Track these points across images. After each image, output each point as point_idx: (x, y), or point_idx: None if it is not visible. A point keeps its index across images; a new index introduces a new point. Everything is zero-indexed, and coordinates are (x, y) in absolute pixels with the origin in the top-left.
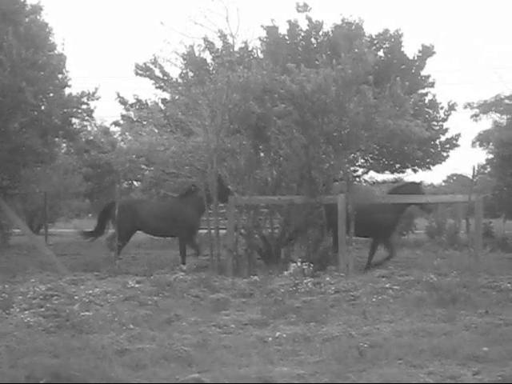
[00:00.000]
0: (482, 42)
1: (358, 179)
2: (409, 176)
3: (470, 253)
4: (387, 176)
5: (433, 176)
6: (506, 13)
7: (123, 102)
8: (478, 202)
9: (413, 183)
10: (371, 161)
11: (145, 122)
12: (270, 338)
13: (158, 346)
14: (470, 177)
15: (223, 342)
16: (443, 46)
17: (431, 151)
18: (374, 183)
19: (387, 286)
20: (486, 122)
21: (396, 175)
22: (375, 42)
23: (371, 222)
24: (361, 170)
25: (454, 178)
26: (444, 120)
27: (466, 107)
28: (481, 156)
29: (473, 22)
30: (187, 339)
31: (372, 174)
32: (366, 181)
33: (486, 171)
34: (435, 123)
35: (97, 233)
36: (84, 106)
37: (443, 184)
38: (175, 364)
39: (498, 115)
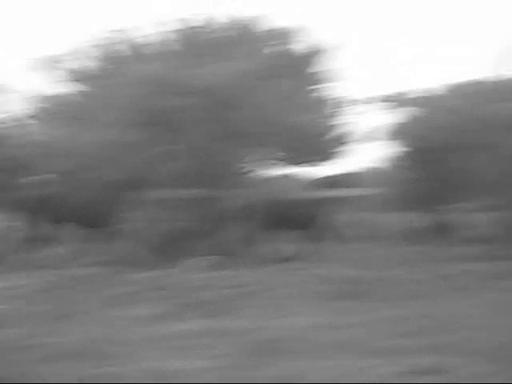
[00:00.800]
0: (381, 38)
1: (261, 173)
2: (316, 170)
3: (384, 245)
4: (287, 170)
5: (339, 170)
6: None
7: (36, 95)
8: (390, 195)
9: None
10: (275, 155)
11: (58, 115)
12: (176, 332)
13: (66, 340)
14: (382, 170)
15: (133, 335)
16: (341, 41)
17: (336, 145)
18: (281, 177)
19: (299, 279)
20: (400, 116)
21: (300, 169)
22: (278, 36)
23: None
24: (265, 165)
25: (367, 171)
26: (353, 114)
27: (379, 100)
28: (393, 149)
29: (370, 20)
30: (94, 333)
31: (276, 168)
32: (272, 175)
33: (398, 164)
34: (334, 118)
35: None
36: None
37: (355, 177)
38: (81, 358)
39: (412, 108)
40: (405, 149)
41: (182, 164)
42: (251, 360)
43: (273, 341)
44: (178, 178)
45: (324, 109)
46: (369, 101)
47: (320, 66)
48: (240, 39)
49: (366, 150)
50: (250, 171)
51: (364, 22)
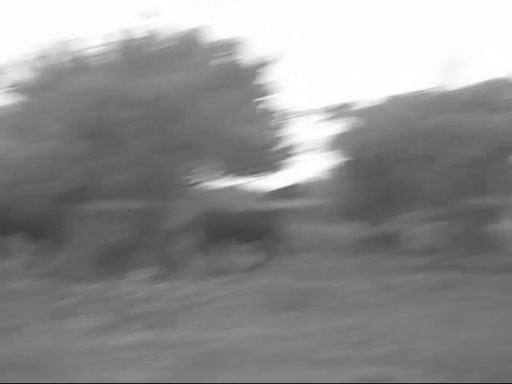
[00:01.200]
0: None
1: (203, 185)
2: (254, 182)
3: (321, 256)
4: (229, 182)
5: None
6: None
7: None
8: (327, 205)
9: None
10: (217, 167)
11: None
12: (120, 344)
13: (10, 353)
14: (320, 181)
15: (71, 348)
16: (290, 51)
17: (274, 157)
18: (227, 189)
19: (236, 291)
20: (337, 127)
21: (239, 182)
22: (220, 48)
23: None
24: (206, 176)
25: (305, 182)
26: (291, 125)
27: (316, 112)
28: (332, 160)
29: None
30: (40, 345)
31: (218, 180)
32: (211, 187)
33: (336, 175)
34: (278, 130)
35: None
36: None
37: (293, 188)
38: (27, 371)
39: (350, 119)
40: (347, 159)
41: (126, 176)
42: (197, 371)
43: (219, 352)
44: (122, 190)
45: (270, 120)
46: (312, 112)
47: (265, 78)
48: (185, 50)
49: (312, 160)
50: (195, 183)
51: (307, 32)
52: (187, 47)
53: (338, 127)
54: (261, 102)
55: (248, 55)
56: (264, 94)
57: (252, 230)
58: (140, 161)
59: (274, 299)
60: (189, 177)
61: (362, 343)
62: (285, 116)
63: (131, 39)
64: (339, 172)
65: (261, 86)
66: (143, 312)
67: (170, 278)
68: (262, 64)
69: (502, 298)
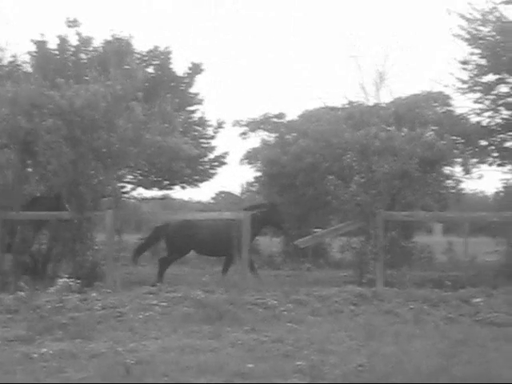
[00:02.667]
0: (249, 61)
1: (126, 195)
2: (177, 193)
3: (237, 269)
4: (156, 193)
5: (201, 193)
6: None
7: None
8: (246, 219)
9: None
10: (140, 177)
11: None
12: (36, 355)
13: None
14: (238, 194)
15: None
16: (213, 64)
17: (199, 168)
18: (142, 200)
19: (154, 302)
20: (255, 140)
21: (164, 192)
22: (145, 58)
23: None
24: (129, 187)
25: (223, 195)
26: (212, 137)
27: (234, 125)
28: (249, 173)
29: (240, 42)
30: None
31: (140, 190)
32: (134, 197)
33: (253, 188)
34: (204, 140)
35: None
36: None
37: (212, 201)
38: None
39: (266, 133)
40: (262, 173)
41: (42, 186)
42: (116, 382)
43: (137, 363)
44: (38, 200)
45: (195, 131)
46: (235, 124)
47: (192, 88)
48: (113, 60)
49: (233, 173)
50: (117, 193)
51: (231, 46)
52: (115, 56)
53: (257, 140)
54: (189, 112)
55: (176, 65)
56: (192, 104)
57: (176, 241)
58: (63, 170)
59: (193, 311)
60: (115, 187)
61: (281, 356)
62: (210, 127)
63: (57, 48)
64: (258, 185)
65: (188, 96)
66: (63, 322)
67: (90, 288)
68: (190, 75)
69: (424, 310)
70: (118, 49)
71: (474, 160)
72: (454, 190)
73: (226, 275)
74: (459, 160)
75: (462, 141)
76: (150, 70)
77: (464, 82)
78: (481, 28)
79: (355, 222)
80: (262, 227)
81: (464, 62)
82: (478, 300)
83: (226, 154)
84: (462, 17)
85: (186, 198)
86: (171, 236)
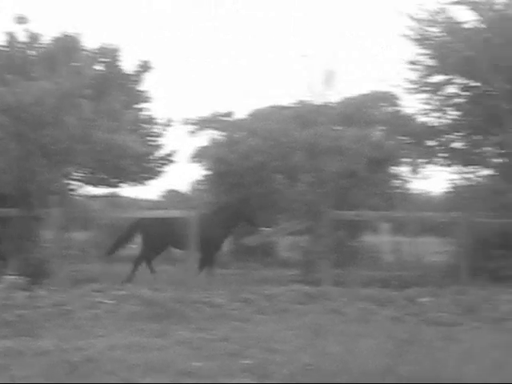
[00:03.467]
0: (198, 60)
1: (73, 193)
2: (125, 191)
3: (184, 268)
4: (103, 190)
5: (149, 191)
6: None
7: None
8: (193, 217)
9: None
10: (87, 175)
11: None
12: None
13: None
14: (186, 192)
15: None
16: (161, 62)
17: (147, 166)
18: (90, 197)
19: (102, 300)
20: (203, 139)
21: (112, 189)
22: (94, 56)
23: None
24: (77, 184)
25: (171, 193)
26: (160, 135)
27: (183, 123)
28: (197, 172)
29: (189, 40)
30: None
31: (88, 187)
32: (81, 195)
33: (201, 187)
34: (152, 138)
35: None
36: None
37: (159, 199)
38: None
39: (215, 132)
40: (210, 171)
41: None
42: (62, 380)
43: (84, 361)
44: None
45: (146, 128)
46: (183, 122)
47: (141, 86)
48: (61, 57)
49: (183, 171)
50: (69, 190)
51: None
52: (64, 53)
53: (205, 139)
54: (137, 109)
55: (125, 63)
56: (140, 101)
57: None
58: (10, 167)
59: (140, 309)
60: (62, 184)
61: (228, 355)
62: (158, 125)
63: (5, 44)
64: (206, 184)
65: (137, 93)
66: (9, 320)
67: (37, 286)
68: (139, 72)
69: (371, 310)
70: (67, 46)
71: (422, 160)
72: (401, 190)
73: (201, 272)
74: (407, 160)
75: (410, 141)
76: (99, 67)
77: (412, 82)
78: (429, 29)
79: (303, 221)
80: (235, 224)
81: (412, 63)
82: (424, 300)
83: (175, 152)
84: (411, 17)
85: (133, 196)
86: (147, 231)
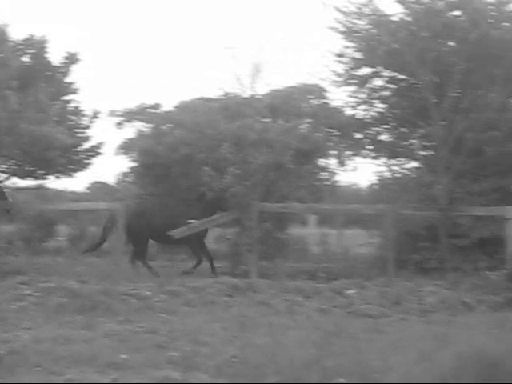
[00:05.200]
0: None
1: (5, 183)
2: (52, 183)
3: (111, 260)
4: (30, 182)
5: (76, 183)
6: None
7: None
8: (120, 209)
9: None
10: (14, 166)
11: None
12: None
13: None
14: (113, 184)
15: None
16: (89, 54)
17: (74, 158)
18: (16, 189)
19: (28, 292)
20: (130, 131)
21: (39, 181)
22: (20, 47)
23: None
24: (3, 176)
25: (98, 185)
26: (88, 127)
27: (110, 115)
28: (124, 164)
29: (117, 32)
30: None
31: (15, 179)
32: (8, 187)
33: (128, 179)
34: (79, 130)
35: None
36: None
37: (86, 191)
38: None
39: (142, 124)
40: (137, 163)
41: None
42: None
43: (9, 354)
44: None
45: (70, 120)
46: (110, 114)
47: (68, 78)
48: None
49: (110, 163)
50: None
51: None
52: None
53: (132, 130)
54: (65, 101)
55: (52, 55)
56: (67, 93)
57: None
58: None
59: (66, 301)
60: None
61: (154, 347)
62: (86, 117)
63: None
64: (133, 176)
65: (64, 85)
66: None
67: None
68: (66, 64)
69: (298, 302)
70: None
71: (349, 152)
72: (328, 182)
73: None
74: (334, 152)
75: (337, 133)
76: (26, 58)
77: (339, 74)
78: (356, 21)
79: (230, 213)
80: (213, 215)
81: (339, 55)
82: (351, 292)
83: (102, 144)
84: (338, 10)
85: (60, 188)
86: (128, 224)
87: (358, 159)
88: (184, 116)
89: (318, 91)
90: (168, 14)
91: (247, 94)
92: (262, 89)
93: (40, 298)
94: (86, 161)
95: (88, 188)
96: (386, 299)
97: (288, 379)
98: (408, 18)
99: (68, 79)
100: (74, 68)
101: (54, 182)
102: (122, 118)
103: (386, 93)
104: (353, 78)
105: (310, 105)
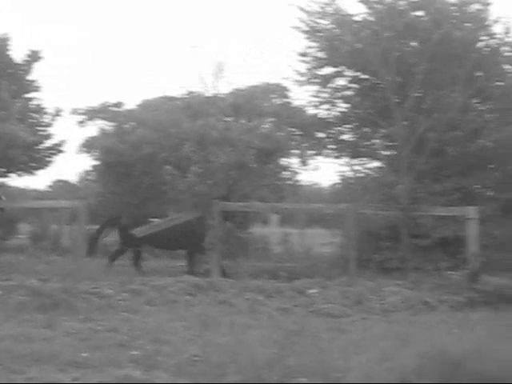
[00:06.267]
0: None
1: None
2: (13, 181)
3: (73, 258)
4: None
5: (37, 181)
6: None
7: None
8: (81, 207)
9: None
10: None
11: None
12: None
13: None
14: (75, 183)
15: None
16: (51, 52)
17: (36, 156)
18: None
19: None
20: (92, 129)
21: (0, 179)
22: None
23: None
24: None
25: (59, 183)
26: (50, 125)
27: (72, 113)
28: (86, 162)
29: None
30: None
31: None
32: None
33: (90, 177)
34: (41, 128)
35: None
36: None
37: (48, 189)
38: None
39: (104, 122)
40: (99, 162)
41: None
42: None
43: None
44: None
45: (32, 118)
46: (73, 112)
47: (31, 75)
48: None
49: (73, 161)
50: None
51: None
52: None
53: (95, 129)
54: (27, 99)
55: (14, 52)
56: (29, 91)
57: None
58: None
59: (27, 299)
60: None
61: (116, 345)
62: (48, 115)
63: None
64: (92, 174)
65: (26, 83)
66: None
67: None
68: (29, 62)
69: (259, 301)
70: None
71: (311, 152)
72: (290, 182)
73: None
74: (296, 151)
75: (300, 132)
76: None
77: (302, 74)
78: (319, 21)
79: (192, 212)
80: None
81: (302, 55)
82: (313, 291)
83: (64, 142)
84: (301, 9)
85: (22, 186)
86: (124, 228)
87: (320, 159)
88: (147, 115)
89: (281, 90)
90: (131, 13)
91: (210, 92)
92: (224, 88)
93: (1, 297)
94: (48, 159)
95: (50, 186)
96: (347, 299)
97: (249, 378)
98: (371, 18)
99: (30, 77)
100: (36, 66)
101: (15, 180)
102: (84, 117)
103: (349, 92)
104: (316, 78)
105: (272, 104)
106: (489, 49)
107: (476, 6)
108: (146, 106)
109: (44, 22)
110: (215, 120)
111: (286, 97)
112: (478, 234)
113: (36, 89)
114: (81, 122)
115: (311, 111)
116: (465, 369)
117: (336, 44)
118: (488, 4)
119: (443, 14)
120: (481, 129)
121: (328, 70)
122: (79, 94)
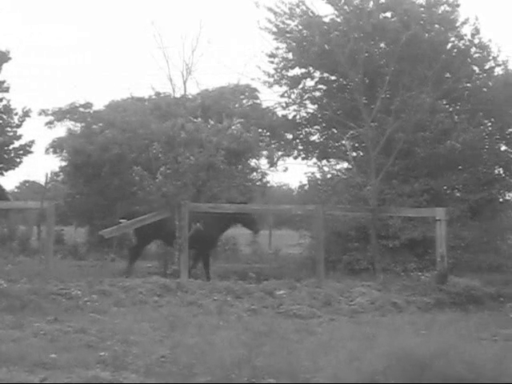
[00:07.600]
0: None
1: None
2: None
3: (41, 259)
4: None
5: (5, 182)
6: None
7: None
8: (50, 208)
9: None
10: None
11: None
12: None
13: None
14: (43, 183)
15: None
16: (20, 52)
17: (4, 157)
18: None
19: None
20: (61, 130)
21: None
22: None
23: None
24: None
25: (27, 184)
26: (18, 126)
27: (40, 114)
28: (54, 163)
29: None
30: None
31: None
32: None
33: (58, 178)
34: (9, 129)
35: None
36: None
37: (16, 190)
38: None
39: (73, 123)
40: (67, 163)
41: None
42: None
43: None
44: None
45: (0, 119)
46: (42, 112)
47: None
48: None
49: (38, 162)
50: None
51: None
52: None
53: (63, 130)
54: None
55: None
56: None
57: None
58: None
59: None
60: None
61: (84, 346)
62: (17, 115)
63: None
64: (64, 175)
65: None
66: None
67: None
68: None
69: (228, 302)
70: None
71: (280, 153)
72: (259, 183)
73: (195, 269)
74: (265, 152)
75: (268, 134)
76: None
77: (271, 75)
78: (288, 22)
79: (161, 213)
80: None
81: (271, 56)
82: (281, 292)
83: (32, 142)
84: (270, 10)
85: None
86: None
87: (288, 160)
88: (115, 115)
89: (250, 91)
90: (100, 12)
91: (179, 93)
92: (193, 89)
93: None
94: (17, 159)
95: (18, 187)
96: (316, 300)
97: (218, 379)
98: (339, 19)
99: None
100: (4, 66)
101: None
102: (52, 117)
103: (318, 93)
104: (284, 79)
105: (241, 105)
106: (457, 50)
107: (444, 8)
108: (114, 106)
109: (12, 22)
110: (184, 121)
111: (255, 98)
112: (447, 236)
113: (4, 89)
114: (49, 123)
115: (280, 112)
116: (432, 370)
117: (304, 45)
118: (456, 5)
119: (411, 15)
120: (449, 130)
121: (296, 71)
122: (48, 94)
